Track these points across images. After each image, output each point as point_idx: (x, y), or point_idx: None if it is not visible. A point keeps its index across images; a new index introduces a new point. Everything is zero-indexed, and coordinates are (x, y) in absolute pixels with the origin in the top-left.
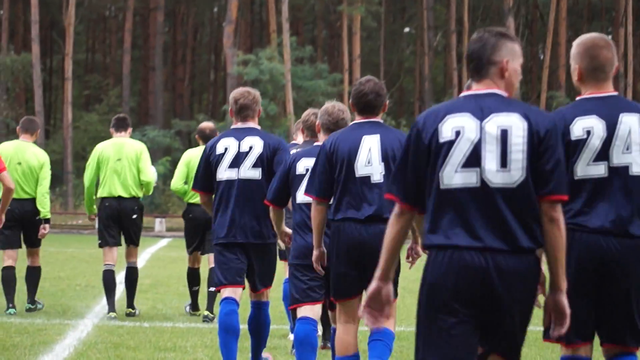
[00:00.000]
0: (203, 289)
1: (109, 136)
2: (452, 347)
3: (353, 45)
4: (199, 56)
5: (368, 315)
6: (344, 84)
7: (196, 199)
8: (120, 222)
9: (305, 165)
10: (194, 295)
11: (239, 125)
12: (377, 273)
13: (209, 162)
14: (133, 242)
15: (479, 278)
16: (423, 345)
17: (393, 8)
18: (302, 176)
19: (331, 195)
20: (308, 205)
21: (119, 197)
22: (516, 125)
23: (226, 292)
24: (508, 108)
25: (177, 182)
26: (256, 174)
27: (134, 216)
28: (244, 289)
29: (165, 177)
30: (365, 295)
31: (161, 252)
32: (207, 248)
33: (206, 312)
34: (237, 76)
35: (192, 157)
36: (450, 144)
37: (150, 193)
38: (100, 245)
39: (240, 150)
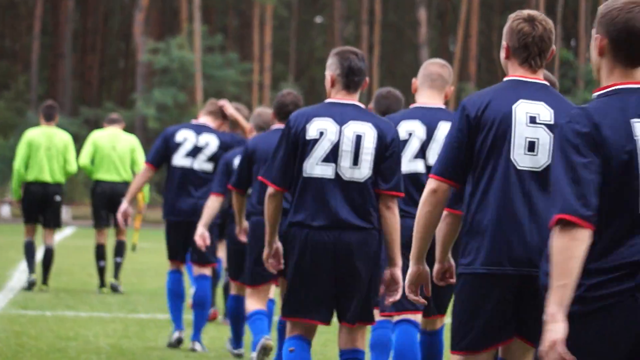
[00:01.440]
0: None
1: (16, 123)
2: (315, 305)
3: (264, 35)
4: (109, 44)
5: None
6: (254, 73)
7: (101, 174)
8: (44, 205)
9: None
10: (101, 271)
11: (198, 121)
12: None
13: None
14: (52, 224)
15: (329, 251)
16: (292, 303)
17: None
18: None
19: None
20: None
21: (45, 182)
22: (368, 132)
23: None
24: (363, 118)
25: (85, 159)
26: (209, 166)
27: (58, 199)
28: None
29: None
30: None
31: (66, 240)
32: (113, 222)
33: (113, 280)
34: (147, 64)
35: (99, 137)
36: (315, 141)
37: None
38: (26, 222)
39: (198, 144)
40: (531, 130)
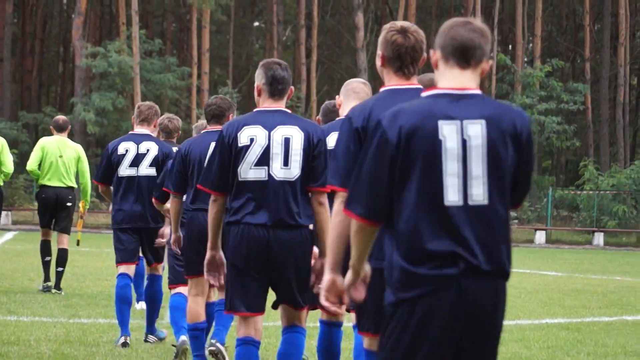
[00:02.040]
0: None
1: None
2: (250, 297)
3: (202, 39)
4: (48, 48)
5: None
6: (193, 77)
7: (47, 180)
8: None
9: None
10: (46, 265)
11: (135, 131)
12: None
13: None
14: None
15: (263, 247)
16: (232, 296)
17: (243, 2)
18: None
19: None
20: None
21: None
22: (296, 135)
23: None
24: (290, 122)
25: (33, 164)
26: (152, 171)
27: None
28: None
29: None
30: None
31: (7, 245)
32: (59, 225)
33: (49, 283)
34: (86, 68)
35: (46, 142)
36: (247, 147)
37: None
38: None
39: (139, 152)
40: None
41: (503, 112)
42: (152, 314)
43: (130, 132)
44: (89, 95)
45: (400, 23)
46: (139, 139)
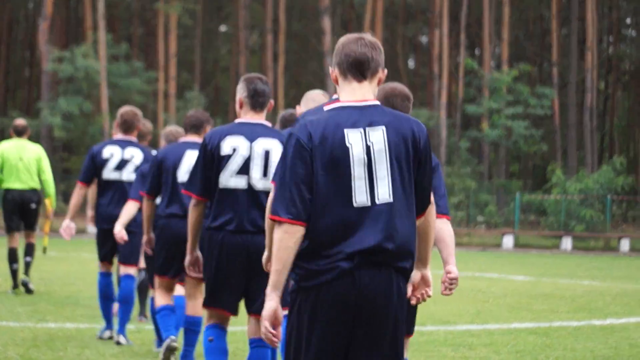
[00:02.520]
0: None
1: None
2: (228, 298)
3: (169, 44)
4: (14, 52)
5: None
6: (160, 82)
7: (10, 183)
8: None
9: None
10: (14, 274)
11: (121, 136)
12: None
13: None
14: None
15: (243, 252)
16: (210, 295)
17: (209, 6)
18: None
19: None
20: None
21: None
22: (275, 147)
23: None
24: (270, 135)
25: None
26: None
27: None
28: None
29: None
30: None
31: None
32: (26, 225)
33: (24, 277)
34: (52, 73)
35: (6, 148)
36: (229, 157)
37: None
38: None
39: (124, 158)
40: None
41: (402, 119)
42: (126, 315)
43: (115, 138)
44: (55, 99)
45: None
46: (124, 144)
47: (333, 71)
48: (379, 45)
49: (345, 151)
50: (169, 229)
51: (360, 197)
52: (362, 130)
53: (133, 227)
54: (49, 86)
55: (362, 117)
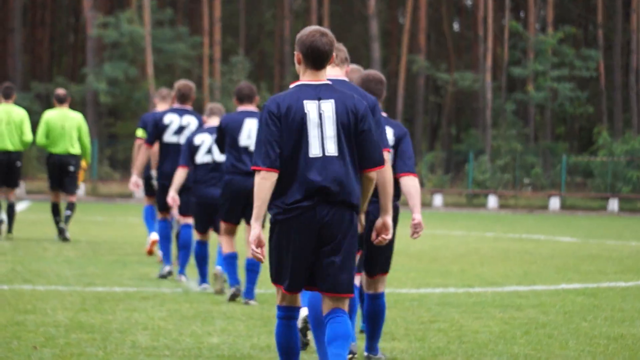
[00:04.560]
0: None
1: None
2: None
3: (213, 8)
4: (59, 18)
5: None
6: (204, 47)
7: (53, 148)
8: (7, 170)
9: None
10: (57, 223)
11: (178, 105)
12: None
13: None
14: (14, 185)
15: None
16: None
17: None
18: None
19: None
20: None
21: (8, 151)
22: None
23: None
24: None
25: (41, 138)
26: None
27: (18, 164)
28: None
29: None
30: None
31: (21, 215)
32: (67, 189)
33: (62, 225)
34: (97, 39)
35: (50, 116)
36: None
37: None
38: None
39: (182, 124)
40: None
41: (347, 96)
42: (185, 258)
43: (174, 106)
44: (100, 65)
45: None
46: (181, 112)
47: (297, 55)
48: (334, 38)
49: (303, 116)
50: (233, 183)
51: (314, 150)
52: (316, 101)
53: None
54: (94, 52)
55: (317, 92)
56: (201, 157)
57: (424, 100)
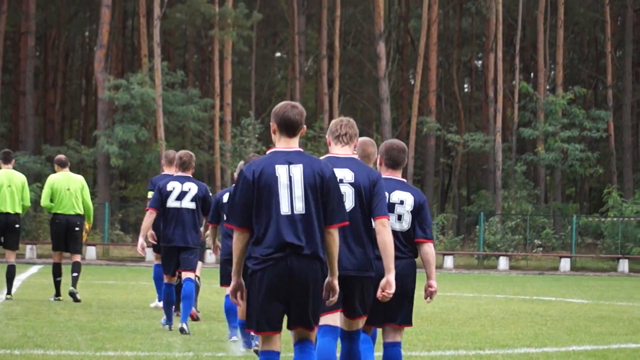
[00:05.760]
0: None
1: None
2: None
3: (224, 70)
4: (70, 81)
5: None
6: (215, 109)
7: (59, 209)
8: (6, 231)
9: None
10: (58, 284)
11: (180, 173)
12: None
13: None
14: (13, 246)
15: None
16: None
17: (264, 33)
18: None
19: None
20: None
21: (7, 212)
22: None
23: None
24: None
25: (45, 200)
26: (193, 205)
27: (17, 226)
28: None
29: (36, 203)
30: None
31: (32, 278)
32: (72, 247)
33: (72, 289)
34: (108, 101)
35: (55, 179)
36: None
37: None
38: None
39: (183, 190)
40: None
41: (314, 161)
42: (187, 308)
43: (176, 174)
44: (112, 127)
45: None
46: (182, 179)
47: (273, 125)
48: (304, 111)
49: (275, 179)
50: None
51: (284, 208)
52: (287, 166)
53: (196, 244)
54: (105, 114)
55: (288, 158)
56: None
57: (434, 161)
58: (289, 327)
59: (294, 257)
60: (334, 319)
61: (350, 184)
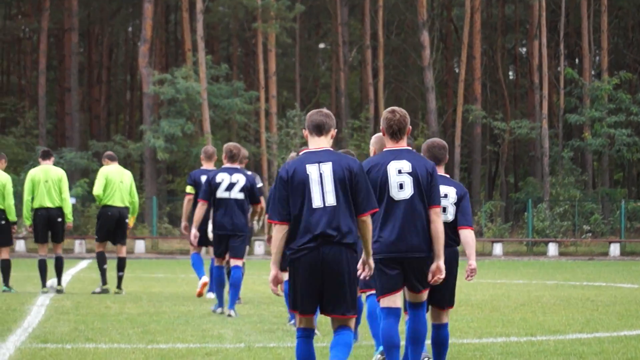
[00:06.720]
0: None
1: (26, 159)
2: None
3: (268, 62)
4: (115, 76)
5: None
6: (260, 101)
7: (110, 201)
8: (50, 225)
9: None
10: (104, 272)
11: (229, 165)
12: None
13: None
14: (59, 239)
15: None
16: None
17: (308, 24)
18: None
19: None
20: None
21: (47, 207)
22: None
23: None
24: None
25: (99, 189)
26: (241, 195)
27: (59, 220)
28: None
29: (84, 198)
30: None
31: (82, 273)
32: (119, 239)
33: (117, 290)
34: (154, 96)
35: (109, 171)
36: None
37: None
38: (36, 241)
39: (232, 181)
40: (400, 176)
41: (342, 158)
42: (235, 296)
43: (224, 166)
44: (157, 122)
45: (392, 107)
46: (231, 171)
47: (305, 130)
48: (330, 114)
49: (306, 176)
50: None
51: (316, 202)
52: (317, 164)
53: (244, 231)
54: (150, 109)
55: (318, 157)
56: None
57: (481, 149)
58: (325, 314)
59: (327, 246)
60: (394, 300)
61: (409, 173)
